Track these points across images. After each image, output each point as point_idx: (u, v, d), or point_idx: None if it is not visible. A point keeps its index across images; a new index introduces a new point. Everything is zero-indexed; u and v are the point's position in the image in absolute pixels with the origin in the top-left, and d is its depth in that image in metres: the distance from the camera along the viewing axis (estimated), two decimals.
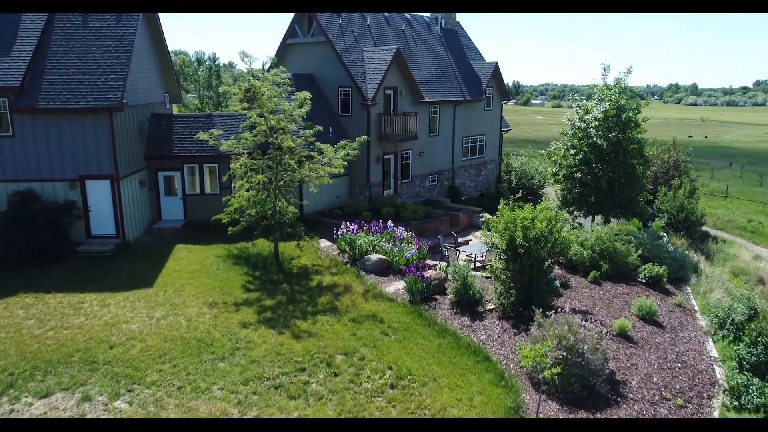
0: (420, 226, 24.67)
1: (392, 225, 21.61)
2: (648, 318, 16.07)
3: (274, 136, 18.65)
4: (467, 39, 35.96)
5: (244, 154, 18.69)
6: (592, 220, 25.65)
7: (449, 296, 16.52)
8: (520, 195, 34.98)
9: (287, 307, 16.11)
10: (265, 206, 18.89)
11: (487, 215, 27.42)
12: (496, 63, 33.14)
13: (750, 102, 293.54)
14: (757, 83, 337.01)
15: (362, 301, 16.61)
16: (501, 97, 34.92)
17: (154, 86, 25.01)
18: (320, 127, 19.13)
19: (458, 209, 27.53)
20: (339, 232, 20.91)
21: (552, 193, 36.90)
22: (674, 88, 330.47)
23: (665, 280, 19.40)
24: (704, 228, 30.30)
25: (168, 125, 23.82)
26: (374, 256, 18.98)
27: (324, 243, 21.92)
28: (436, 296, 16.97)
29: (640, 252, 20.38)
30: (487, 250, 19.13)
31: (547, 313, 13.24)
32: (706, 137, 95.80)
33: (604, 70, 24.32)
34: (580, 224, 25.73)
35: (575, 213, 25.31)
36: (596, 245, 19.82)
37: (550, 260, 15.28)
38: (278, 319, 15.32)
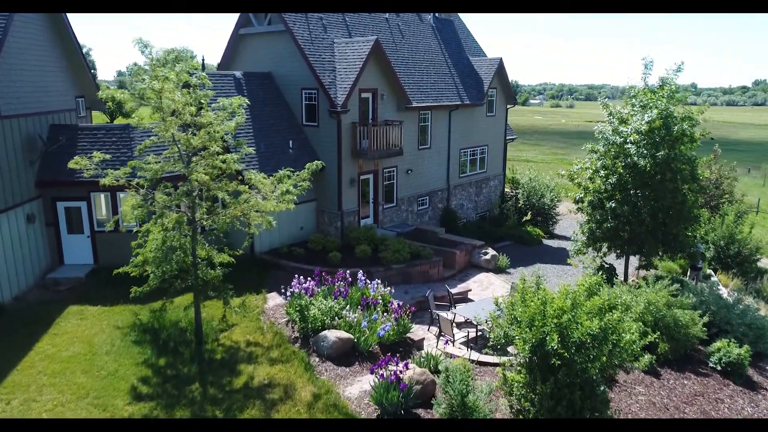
0: (405, 270, 18.95)
1: (363, 278, 15.86)
2: None
3: (189, 161, 12.95)
4: (465, 31, 30.18)
5: (143, 188, 12.88)
6: (626, 261, 19.95)
7: (439, 413, 10.76)
8: (529, 217, 29.43)
9: None
10: (183, 257, 13.11)
11: (491, 251, 21.74)
12: (500, 59, 27.39)
13: (750, 102, 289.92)
14: (756, 82, 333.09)
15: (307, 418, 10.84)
16: (506, 99, 29.15)
17: (55, 90, 19.15)
18: (252, 149, 13.29)
19: (454, 243, 21.77)
20: (290, 290, 15.19)
21: (568, 213, 31.22)
22: (632, 86, 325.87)
23: (747, 363, 13.70)
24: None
25: (70, 141, 17.99)
26: (333, 335, 13.20)
27: (273, 301, 16.17)
28: (419, 410, 11.20)
29: (705, 318, 14.66)
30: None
31: None
32: (712, 139, 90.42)
33: (646, 67, 18.54)
34: (611, 266, 20.06)
35: (604, 249, 19.66)
36: (647, 313, 14.10)
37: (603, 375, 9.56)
38: None
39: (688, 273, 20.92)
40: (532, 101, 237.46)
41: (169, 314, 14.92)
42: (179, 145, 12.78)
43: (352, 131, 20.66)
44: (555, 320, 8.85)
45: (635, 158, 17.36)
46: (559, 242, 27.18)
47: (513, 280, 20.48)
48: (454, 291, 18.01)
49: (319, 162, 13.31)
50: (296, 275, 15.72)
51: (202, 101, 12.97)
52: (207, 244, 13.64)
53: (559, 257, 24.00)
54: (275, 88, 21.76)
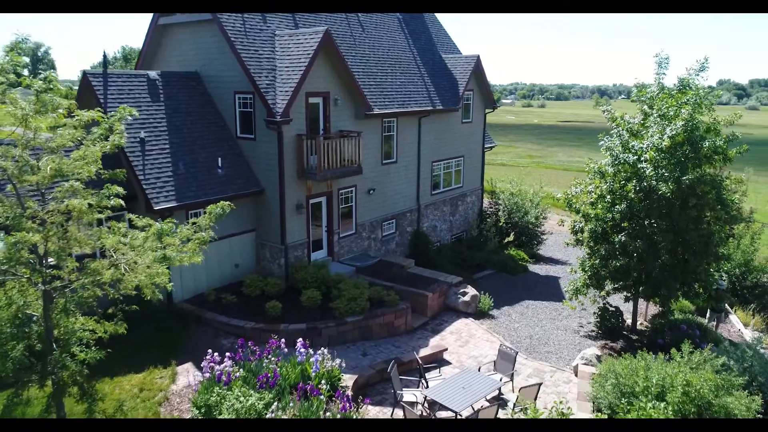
0: (363, 323, 14.95)
1: (305, 349, 11.78)
2: None
3: (43, 201, 8.77)
4: (437, 25, 26.32)
5: None
6: (635, 304, 16.33)
7: None
8: (511, 238, 25.74)
9: None
10: (26, 344, 8.91)
11: (470, 290, 17.85)
12: (478, 57, 23.59)
13: (716, 102, 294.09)
14: (720, 82, 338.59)
15: None
16: (484, 103, 25.37)
17: None
18: (121, 188, 9.02)
19: (426, 281, 17.81)
20: (197, 375, 11.06)
21: (555, 227, 27.67)
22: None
23: None
24: None
25: None
26: None
27: (184, 379, 12.03)
28: None
29: (758, 400, 10.98)
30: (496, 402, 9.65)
31: None
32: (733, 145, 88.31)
33: (659, 65, 14.95)
34: (616, 309, 16.44)
35: (608, 288, 16.00)
36: (687, 403, 10.35)
37: None
38: None
39: (707, 315, 17.43)
40: (503, 101, 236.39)
41: (33, 408, 10.74)
42: (14, 182, 8.58)
43: (298, 145, 16.57)
44: None
45: (653, 182, 13.71)
46: (547, 267, 23.54)
47: (499, 328, 16.68)
48: (425, 352, 14.12)
49: (226, 203, 9.15)
50: (219, 342, 11.54)
51: (51, 112, 8.79)
52: (80, 313, 9.46)
53: (550, 290, 20.34)
54: (203, 92, 17.52)
